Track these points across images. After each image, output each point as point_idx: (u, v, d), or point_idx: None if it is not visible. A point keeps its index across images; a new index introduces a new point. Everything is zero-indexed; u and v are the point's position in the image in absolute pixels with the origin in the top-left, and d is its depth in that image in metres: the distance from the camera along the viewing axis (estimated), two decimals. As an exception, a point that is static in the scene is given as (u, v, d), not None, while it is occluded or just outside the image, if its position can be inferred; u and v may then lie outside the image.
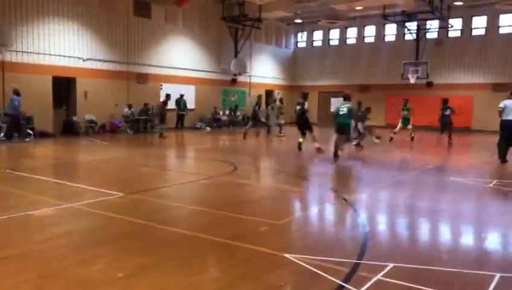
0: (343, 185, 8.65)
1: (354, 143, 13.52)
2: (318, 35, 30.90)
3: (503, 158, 11.16)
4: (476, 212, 6.56)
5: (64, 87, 18.43)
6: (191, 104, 23.18)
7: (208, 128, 23.34)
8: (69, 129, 18.05)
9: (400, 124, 17.92)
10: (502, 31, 24.77)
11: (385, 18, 23.98)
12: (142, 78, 21.05)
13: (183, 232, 4.95)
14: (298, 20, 28.92)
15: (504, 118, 11.03)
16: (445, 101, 17.00)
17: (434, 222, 5.93)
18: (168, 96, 18.16)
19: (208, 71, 24.77)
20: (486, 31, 25.10)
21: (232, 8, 24.51)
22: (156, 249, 4.42)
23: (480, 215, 6.32)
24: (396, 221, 5.95)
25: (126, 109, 19.95)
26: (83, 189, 7.35)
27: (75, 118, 18.27)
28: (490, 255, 4.57)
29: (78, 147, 14.74)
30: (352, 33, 29.51)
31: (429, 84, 26.12)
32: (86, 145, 15.06)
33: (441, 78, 26.08)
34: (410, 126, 17.66)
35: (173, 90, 21.67)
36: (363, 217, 5.94)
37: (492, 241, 5.15)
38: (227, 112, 25.68)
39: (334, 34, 30.19)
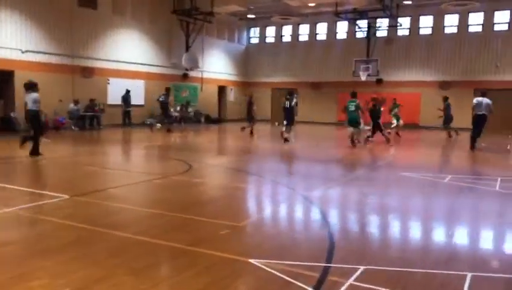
0: (300, 182, 8.45)
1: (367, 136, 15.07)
2: (271, 31, 30.80)
3: (472, 147, 13.70)
4: (439, 209, 6.52)
5: (0, 81, 17.11)
6: (140, 99, 22.39)
7: (159, 125, 22.56)
8: (6, 126, 16.77)
9: (395, 122, 18.65)
10: (447, 30, 25.71)
11: (337, 15, 24.23)
12: (88, 72, 19.98)
13: (136, 238, 4.52)
14: (251, 16, 28.66)
15: (476, 112, 13.50)
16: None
17: (398, 220, 5.83)
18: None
19: (158, 66, 23.98)
20: (432, 30, 25.97)
21: (183, 1, 23.83)
22: (106, 259, 3.97)
23: (444, 212, 6.29)
24: (360, 220, 5.79)
25: (72, 105, 18.85)
26: (23, 191, 6.70)
27: (13, 114, 17.00)
28: (459, 253, 4.47)
29: (17, 145, 13.65)
30: (304, 30, 29.62)
31: (379, 82, 26.71)
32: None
33: (391, 76, 26.74)
34: (401, 122, 18.56)
35: (121, 85, 20.86)
36: (325, 216, 5.73)
37: (459, 238, 5.09)
38: (178, 108, 24.97)
39: (287, 31, 30.20)
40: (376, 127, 15.18)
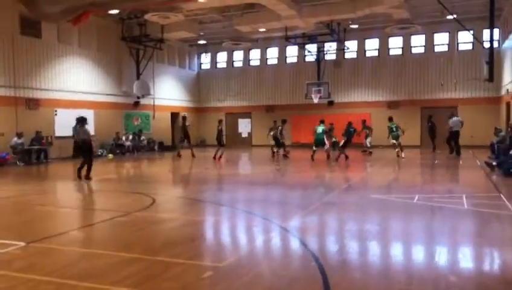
0: (273, 211, 8.19)
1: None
2: (222, 56, 30.80)
3: (451, 151, 18.67)
4: (422, 232, 6.38)
5: None
6: (90, 130, 21.35)
7: (110, 155, 21.67)
8: None
9: (395, 141, 19.22)
10: (392, 52, 26.81)
11: (287, 40, 24.63)
12: (33, 103, 18.89)
13: (111, 290, 4.04)
14: (202, 41, 28.55)
15: (453, 130, 18.86)
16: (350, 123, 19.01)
17: (385, 244, 5.66)
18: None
19: (109, 94, 23.17)
20: (378, 52, 26.98)
21: (132, 28, 23.35)
22: (82, 320, 3.48)
23: (428, 236, 6.16)
24: (348, 249, 5.53)
25: (15, 138, 17.65)
26: (-31, 241, 5.94)
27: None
28: (454, 277, 4.34)
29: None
30: (255, 55, 29.88)
31: (330, 103, 27.26)
32: None
33: (341, 97, 27.40)
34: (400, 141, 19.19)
35: (70, 115, 19.86)
36: (310, 248, 5.47)
37: (454, 263, 4.97)
38: (130, 137, 24.16)
39: (238, 56, 30.33)
40: (342, 146, 17.58)
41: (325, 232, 6.58)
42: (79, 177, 12.31)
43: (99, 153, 21.73)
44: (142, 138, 24.92)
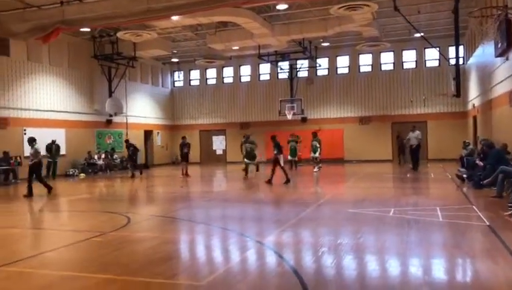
0: (251, 227, 8.15)
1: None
2: (195, 74, 30.81)
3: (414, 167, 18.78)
4: (400, 245, 6.45)
5: None
6: (61, 149, 20.93)
7: (82, 175, 21.19)
8: None
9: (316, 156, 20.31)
10: (362, 69, 27.43)
11: (260, 58, 24.87)
12: (1, 122, 18.36)
13: (89, 313, 3.91)
14: (175, 59, 28.52)
15: (411, 143, 19.07)
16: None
17: (363, 258, 5.69)
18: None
19: (80, 113, 22.75)
20: (349, 69, 27.55)
21: (104, 45, 23.12)
22: None
23: (406, 249, 6.24)
24: (325, 263, 5.56)
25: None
26: None
27: None
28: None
29: None
30: (229, 72, 30.02)
31: (304, 120, 27.55)
32: None
33: (314, 114, 27.75)
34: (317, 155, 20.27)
35: (40, 135, 19.42)
36: (289, 262, 5.46)
37: (431, 274, 5.04)
38: (103, 156, 23.72)
39: (211, 73, 30.41)
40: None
41: (303, 247, 6.58)
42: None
43: (71, 173, 21.23)
44: (115, 156, 24.50)
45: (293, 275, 4.94)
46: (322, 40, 24.34)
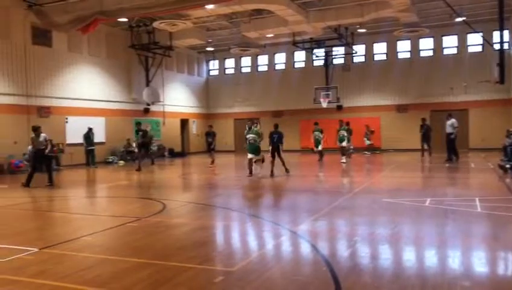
0: (284, 216, 8.16)
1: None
2: (230, 62, 30.93)
3: (449, 157, 17.44)
4: (436, 236, 6.31)
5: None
6: (101, 137, 21.60)
7: (121, 162, 21.81)
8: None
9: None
10: (400, 56, 26.70)
11: (294, 45, 24.65)
12: (45, 111, 19.10)
13: (124, 295, 4.05)
14: (210, 48, 28.69)
15: (446, 132, 17.61)
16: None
17: (398, 248, 5.61)
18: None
19: (119, 101, 23.35)
20: (386, 56, 26.88)
21: (141, 35, 23.55)
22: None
23: (442, 239, 6.06)
24: (360, 253, 5.51)
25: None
26: (-17, 248, 6.01)
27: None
28: (467, 279, 4.28)
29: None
30: (263, 60, 29.95)
31: (339, 108, 27.19)
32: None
33: (350, 101, 27.32)
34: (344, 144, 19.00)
35: (81, 123, 20.13)
36: (321, 251, 5.45)
37: (464, 265, 4.91)
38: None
39: (246, 62, 30.42)
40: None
41: (335, 236, 6.54)
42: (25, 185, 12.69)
43: (110, 160, 21.88)
44: (153, 144, 25.00)
45: (323, 263, 4.93)
46: (358, 27, 23.82)
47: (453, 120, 17.71)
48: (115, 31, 22.76)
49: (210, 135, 19.07)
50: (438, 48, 25.69)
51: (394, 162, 18.65)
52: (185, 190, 12.99)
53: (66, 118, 20.05)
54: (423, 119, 20.71)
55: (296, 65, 29.20)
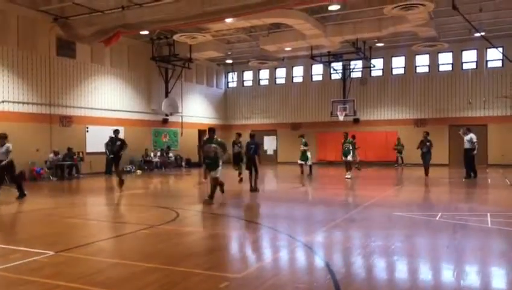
0: (295, 226, 8.27)
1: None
2: (248, 75, 31.30)
3: (468, 175, 16.54)
4: (444, 250, 6.36)
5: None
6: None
7: (139, 172, 22.22)
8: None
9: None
10: (418, 70, 26.64)
11: (312, 58, 24.86)
12: (66, 121, 19.68)
13: (132, 297, 4.24)
14: (229, 61, 29.13)
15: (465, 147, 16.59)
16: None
17: (407, 263, 5.67)
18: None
19: (138, 112, 23.87)
20: (405, 70, 26.85)
21: (162, 47, 24.12)
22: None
23: (450, 253, 6.11)
24: (362, 264, 5.59)
25: (52, 155, 18.45)
26: (1, 249, 6.29)
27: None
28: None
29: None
30: (281, 73, 30.23)
31: (356, 121, 27.18)
32: (3, 195, 13.44)
33: (367, 115, 27.30)
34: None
35: (101, 132, 20.58)
36: (326, 262, 5.56)
37: (467, 280, 4.96)
38: (158, 154, 24.72)
39: (264, 74, 30.75)
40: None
41: (340, 247, 6.62)
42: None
43: (128, 169, 22.32)
44: (170, 154, 25.44)
45: (327, 273, 5.04)
46: (376, 41, 23.91)
47: (471, 135, 16.60)
48: (136, 43, 23.36)
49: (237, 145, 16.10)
50: (457, 62, 25.55)
51: (410, 177, 18.51)
52: (200, 199, 13.17)
53: (87, 128, 20.59)
54: (426, 134, 18.10)
55: (314, 78, 29.38)
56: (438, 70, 26.10)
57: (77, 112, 20.28)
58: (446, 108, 25.60)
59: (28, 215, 9.62)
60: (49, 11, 17.97)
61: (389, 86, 27.02)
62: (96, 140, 20.34)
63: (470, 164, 16.61)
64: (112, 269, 5.36)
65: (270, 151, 30.44)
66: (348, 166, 17.51)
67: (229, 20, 18.31)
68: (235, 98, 31.58)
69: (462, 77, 25.13)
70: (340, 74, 27.49)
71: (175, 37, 21.08)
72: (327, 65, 26.78)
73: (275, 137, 30.22)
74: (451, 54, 25.49)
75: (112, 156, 14.56)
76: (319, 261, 5.68)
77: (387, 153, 25.55)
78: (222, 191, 11.63)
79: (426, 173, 17.71)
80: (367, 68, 26.77)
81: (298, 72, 29.74)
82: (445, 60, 25.90)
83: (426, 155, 17.66)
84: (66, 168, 18.99)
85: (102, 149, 20.02)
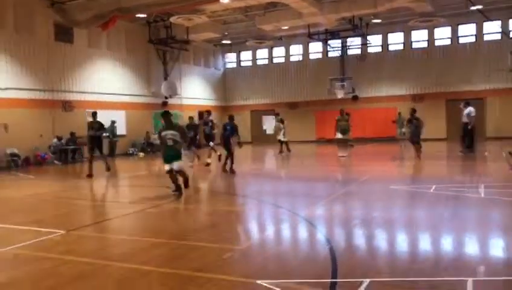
0: (293, 201, 8.58)
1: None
2: (246, 55, 31.28)
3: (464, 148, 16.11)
4: (436, 219, 6.63)
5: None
6: (121, 129, 22.31)
7: (141, 154, 22.50)
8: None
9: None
10: (416, 45, 26.64)
11: (310, 37, 24.86)
12: (68, 106, 19.87)
13: (141, 268, 4.54)
14: (226, 41, 29.09)
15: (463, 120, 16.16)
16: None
17: (396, 232, 6.01)
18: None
19: (138, 95, 24.02)
20: (403, 46, 26.85)
21: (159, 30, 24.12)
22: (117, 291, 4.00)
23: (442, 223, 6.41)
24: (358, 234, 5.92)
25: (55, 140, 18.73)
26: (16, 230, 6.61)
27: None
28: (458, 260, 4.65)
29: (1, 183, 13.44)
30: (279, 52, 30.21)
31: (355, 98, 27.31)
32: (10, 180, 13.78)
33: (365, 92, 27.40)
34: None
35: (102, 116, 20.77)
36: (324, 232, 5.87)
37: (456, 246, 5.27)
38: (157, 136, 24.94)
39: (262, 54, 30.74)
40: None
41: (336, 220, 6.93)
42: None
43: (131, 152, 22.61)
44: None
45: (324, 244, 5.35)
46: (372, 17, 23.87)
47: (470, 108, 16.14)
48: (133, 26, 23.36)
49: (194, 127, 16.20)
50: (454, 37, 25.55)
51: (408, 152, 18.77)
52: (202, 178, 13.48)
53: (88, 112, 20.77)
54: (413, 110, 16.11)
55: (312, 56, 29.39)
56: (435, 45, 26.11)
57: (77, 96, 20.44)
58: (443, 83, 25.68)
59: (37, 198, 9.93)
60: (46, -3, 17.99)
61: (387, 62, 27.03)
62: (97, 124, 20.54)
63: (468, 137, 16.39)
64: (120, 244, 5.68)
65: (269, 131, 30.61)
66: (345, 144, 17.21)
67: (224, 1, 18.33)
68: (233, 79, 31.62)
69: (459, 51, 25.16)
70: (338, 52, 27.48)
71: (172, 19, 21.09)
72: (325, 43, 26.76)
73: (273, 117, 30.32)
74: (448, 28, 25.45)
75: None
76: (317, 232, 5.99)
77: (386, 129, 25.74)
78: (186, 185, 9.31)
79: (418, 155, 15.06)
80: (364, 45, 26.76)
81: (296, 50, 29.71)
82: (443, 34, 25.87)
83: (414, 134, 15.52)
84: (70, 152, 19.28)
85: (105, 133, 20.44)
